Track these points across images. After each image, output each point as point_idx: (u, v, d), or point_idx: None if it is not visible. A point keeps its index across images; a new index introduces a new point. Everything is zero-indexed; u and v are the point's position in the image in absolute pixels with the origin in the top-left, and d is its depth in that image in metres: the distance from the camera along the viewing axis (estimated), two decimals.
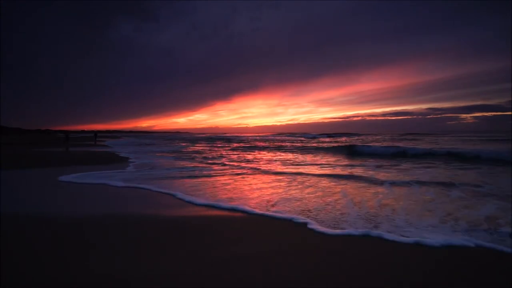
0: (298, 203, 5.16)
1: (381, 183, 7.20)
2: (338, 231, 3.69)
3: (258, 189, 6.58)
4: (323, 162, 12.41)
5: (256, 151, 20.75)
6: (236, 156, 16.26)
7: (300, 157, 15.18)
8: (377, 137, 49.11)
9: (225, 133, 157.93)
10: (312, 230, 3.75)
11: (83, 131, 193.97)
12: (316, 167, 10.73)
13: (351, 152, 17.78)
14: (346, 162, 12.64)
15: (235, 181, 7.66)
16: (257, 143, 33.09)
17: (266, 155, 17.18)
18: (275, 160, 13.54)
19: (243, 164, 11.57)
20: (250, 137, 59.99)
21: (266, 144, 30.17)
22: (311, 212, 4.56)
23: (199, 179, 7.86)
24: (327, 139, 41.79)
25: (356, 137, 49.58)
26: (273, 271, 2.61)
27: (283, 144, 29.29)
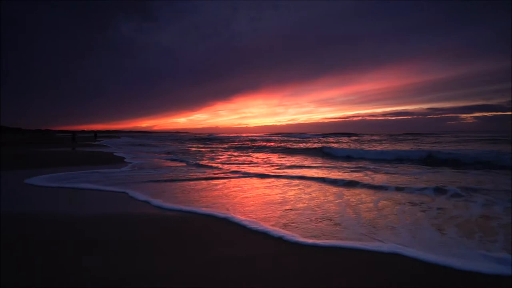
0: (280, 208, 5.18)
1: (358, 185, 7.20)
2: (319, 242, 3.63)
3: (235, 193, 6.61)
4: (302, 164, 12.55)
5: (244, 151, 20.93)
6: (224, 157, 16.05)
7: (286, 159, 15.38)
8: (375, 137, 49.32)
9: (220, 133, 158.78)
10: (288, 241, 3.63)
11: (83, 131, 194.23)
12: (295, 169, 10.84)
13: (325, 154, 17.25)
14: (322, 163, 12.63)
15: (216, 184, 7.69)
16: (249, 143, 32.99)
17: (253, 156, 17.28)
18: (263, 162, 13.72)
19: (225, 166, 11.42)
20: (244, 138, 59.89)
21: (258, 144, 30.09)
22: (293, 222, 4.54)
23: (185, 182, 7.82)
24: (322, 139, 42.05)
25: (356, 137, 49.79)
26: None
27: (280, 144, 29.30)
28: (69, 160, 13.15)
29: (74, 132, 39.95)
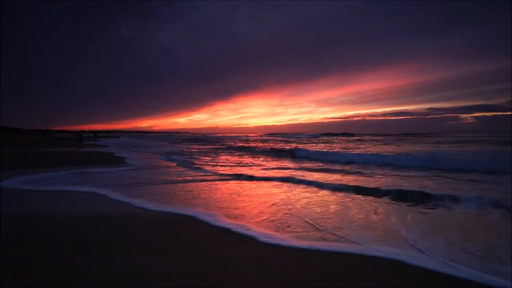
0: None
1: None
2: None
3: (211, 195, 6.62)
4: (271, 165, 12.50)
5: (230, 152, 20.47)
6: (209, 158, 15.30)
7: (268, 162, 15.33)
8: (367, 137, 49.03)
9: (217, 133, 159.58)
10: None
11: (83, 131, 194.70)
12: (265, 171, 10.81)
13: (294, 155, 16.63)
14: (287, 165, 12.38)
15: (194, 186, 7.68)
16: (241, 144, 32.29)
17: (235, 157, 17.21)
18: (240, 164, 13.73)
19: (211, 168, 10.97)
20: (236, 138, 59.71)
21: (247, 145, 29.19)
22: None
23: (174, 184, 7.85)
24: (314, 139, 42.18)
25: (354, 137, 49.83)
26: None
27: (269, 145, 29.13)
28: (68, 160, 13.04)
29: (80, 132, 40.07)
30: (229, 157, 16.10)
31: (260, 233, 3.73)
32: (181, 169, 10.68)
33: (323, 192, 6.37)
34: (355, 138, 47.05)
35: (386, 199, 5.69)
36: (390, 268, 2.81)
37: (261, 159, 15.23)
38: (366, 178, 8.37)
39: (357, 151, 17.47)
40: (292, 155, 16.81)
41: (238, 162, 13.57)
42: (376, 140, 35.20)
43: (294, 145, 27.21)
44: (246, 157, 16.54)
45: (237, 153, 19.52)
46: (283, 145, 27.64)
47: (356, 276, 2.65)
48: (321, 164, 11.99)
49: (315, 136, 63.21)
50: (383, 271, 2.75)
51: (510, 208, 4.80)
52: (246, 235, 3.69)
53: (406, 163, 11.19)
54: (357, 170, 10.09)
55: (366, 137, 47.34)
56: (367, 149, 19.95)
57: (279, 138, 55.26)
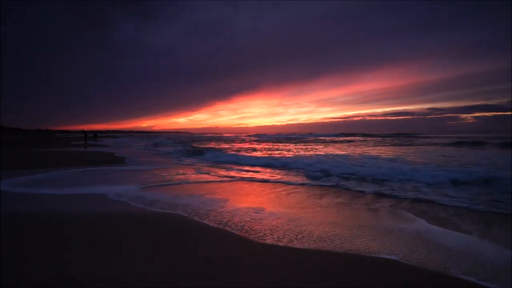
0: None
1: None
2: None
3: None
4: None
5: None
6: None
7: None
8: (356, 137, 47.46)
9: (215, 133, 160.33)
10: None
11: (83, 131, 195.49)
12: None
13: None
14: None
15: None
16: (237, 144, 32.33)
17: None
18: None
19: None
20: (219, 138, 58.44)
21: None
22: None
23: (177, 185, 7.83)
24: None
25: (351, 138, 49.50)
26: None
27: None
28: (68, 160, 12.94)
29: (85, 132, 39.86)
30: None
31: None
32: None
33: None
34: (328, 139, 44.11)
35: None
36: (389, 268, 2.80)
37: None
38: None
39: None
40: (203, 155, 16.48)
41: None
42: (340, 142, 32.59)
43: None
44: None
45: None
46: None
47: (356, 276, 2.63)
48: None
49: (304, 136, 63.24)
50: (381, 271, 2.74)
51: None
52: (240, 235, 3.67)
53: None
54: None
55: (350, 137, 46.10)
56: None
57: (257, 138, 53.79)
